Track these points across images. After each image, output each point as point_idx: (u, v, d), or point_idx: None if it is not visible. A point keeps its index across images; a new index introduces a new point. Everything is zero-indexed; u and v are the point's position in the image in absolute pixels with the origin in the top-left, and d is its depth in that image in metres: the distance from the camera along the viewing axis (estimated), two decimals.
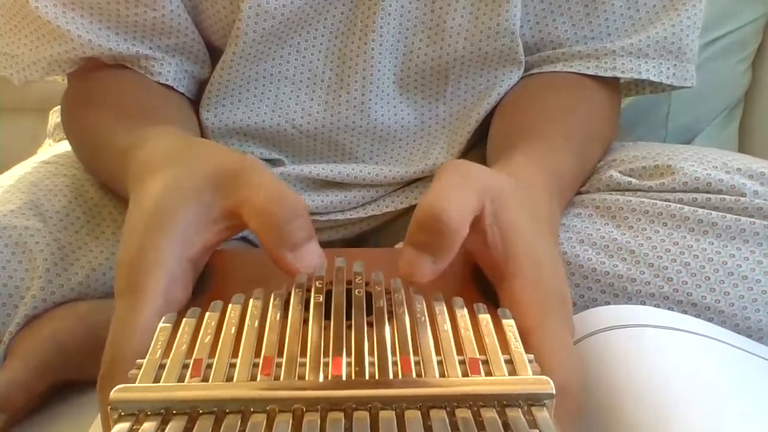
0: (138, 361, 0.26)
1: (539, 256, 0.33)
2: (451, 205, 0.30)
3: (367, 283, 0.32)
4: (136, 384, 0.25)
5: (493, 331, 0.28)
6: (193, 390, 0.25)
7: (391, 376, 0.25)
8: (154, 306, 0.30)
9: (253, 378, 0.25)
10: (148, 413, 0.24)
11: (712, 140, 0.80)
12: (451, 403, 0.24)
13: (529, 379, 0.25)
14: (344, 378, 0.25)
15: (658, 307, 0.40)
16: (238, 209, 0.32)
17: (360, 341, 0.27)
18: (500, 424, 0.24)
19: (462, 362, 0.26)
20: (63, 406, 0.45)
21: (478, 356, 0.27)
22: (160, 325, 0.29)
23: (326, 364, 0.26)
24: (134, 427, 0.24)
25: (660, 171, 0.46)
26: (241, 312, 0.30)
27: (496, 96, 0.54)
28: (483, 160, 0.53)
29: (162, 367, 0.26)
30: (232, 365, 0.26)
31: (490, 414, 0.24)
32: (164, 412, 0.24)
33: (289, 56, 0.54)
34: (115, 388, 0.24)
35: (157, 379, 0.25)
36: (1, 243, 0.45)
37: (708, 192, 0.43)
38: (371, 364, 0.26)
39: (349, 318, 0.29)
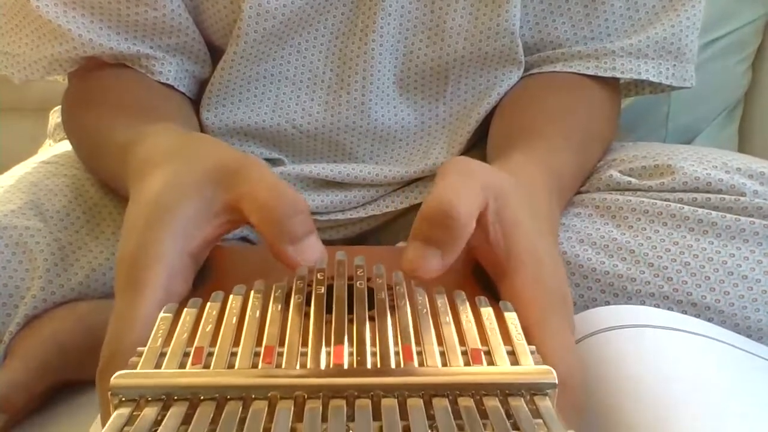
0: (139, 348, 0.26)
1: (540, 254, 0.33)
2: (460, 201, 0.30)
3: (368, 279, 0.32)
4: (137, 370, 0.25)
5: (495, 322, 0.28)
6: (194, 376, 0.25)
7: (393, 365, 0.25)
8: (155, 300, 0.30)
9: (255, 366, 0.25)
10: (149, 399, 0.24)
11: (712, 140, 0.80)
12: (453, 391, 0.24)
13: (531, 369, 0.25)
14: (346, 366, 0.25)
15: (658, 306, 0.40)
16: (239, 204, 0.32)
17: (362, 332, 0.27)
18: (503, 413, 0.24)
19: (464, 353, 0.26)
20: (63, 406, 0.45)
21: (480, 347, 0.27)
22: (161, 314, 0.29)
23: (328, 353, 0.26)
24: (135, 412, 0.24)
25: (660, 171, 0.46)
26: (242, 303, 0.30)
27: (496, 96, 0.54)
28: (483, 160, 0.52)
29: (163, 354, 0.26)
30: (233, 354, 0.26)
31: (492, 403, 0.24)
32: (165, 398, 0.24)
33: (290, 56, 0.54)
34: (115, 374, 0.24)
35: (158, 366, 0.25)
36: (2, 243, 0.45)
37: (708, 192, 0.43)
38: (373, 353, 0.26)
39: (350, 312, 0.29)
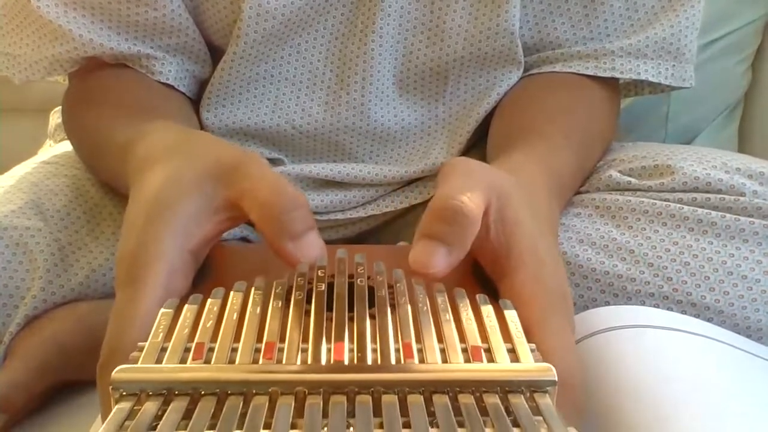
0: (140, 344, 0.26)
1: (541, 254, 0.33)
2: (468, 198, 0.31)
3: (368, 277, 0.32)
4: (138, 365, 0.25)
5: (495, 320, 0.28)
6: (195, 371, 0.25)
7: (393, 362, 0.25)
8: (155, 297, 0.30)
9: (255, 362, 0.25)
10: (150, 394, 0.24)
11: (712, 141, 0.80)
12: (453, 388, 0.24)
13: (531, 366, 0.25)
14: (346, 363, 0.25)
15: (658, 306, 0.40)
16: (239, 200, 0.32)
17: (362, 329, 0.27)
18: (503, 410, 0.24)
19: (464, 350, 0.26)
20: (63, 406, 0.45)
21: (480, 344, 0.27)
22: (162, 310, 0.29)
23: (328, 350, 0.26)
24: (136, 407, 0.24)
25: (660, 171, 0.46)
26: (242, 299, 0.30)
27: (496, 96, 0.54)
28: (483, 160, 0.52)
29: (164, 350, 0.26)
30: (234, 349, 0.26)
31: (492, 399, 0.24)
32: (166, 392, 0.24)
33: (290, 57, 0.54)
34: (116, 369, 0.24)
35: (159, 361, 0.25)
36: (2, 243, 0.45)
37: (707, 192, 0.43)
38: (373, 350, 0.26)
39: (351, 309, 0.29)
